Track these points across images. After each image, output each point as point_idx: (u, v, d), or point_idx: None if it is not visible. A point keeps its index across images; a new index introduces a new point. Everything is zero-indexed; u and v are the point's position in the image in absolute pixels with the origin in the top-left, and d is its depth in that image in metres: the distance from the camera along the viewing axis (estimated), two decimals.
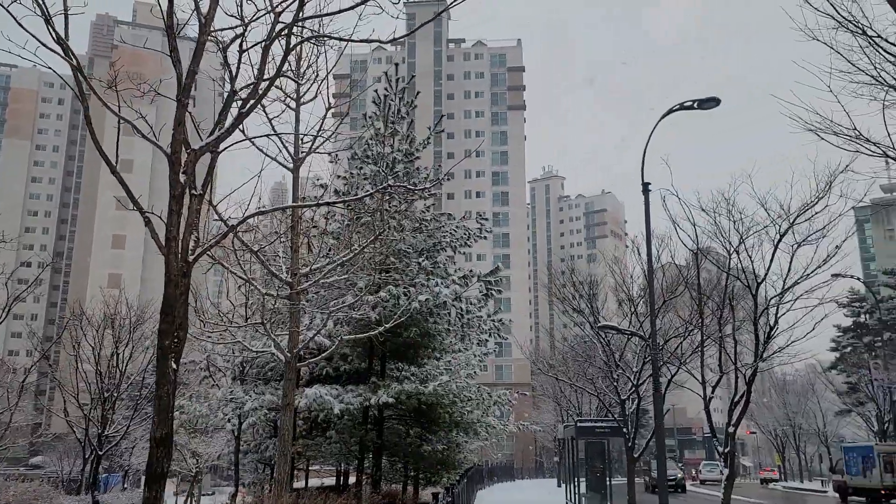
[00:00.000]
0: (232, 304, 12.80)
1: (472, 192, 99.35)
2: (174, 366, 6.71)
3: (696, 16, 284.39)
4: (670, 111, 18.62)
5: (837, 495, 35.56)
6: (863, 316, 55.19)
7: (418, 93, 25.15)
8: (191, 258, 7.00)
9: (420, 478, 20.29)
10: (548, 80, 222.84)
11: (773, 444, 64.53)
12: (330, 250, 12.60)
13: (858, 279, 37.79)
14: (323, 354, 11.35)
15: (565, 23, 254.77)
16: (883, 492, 30.56)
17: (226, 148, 7.93)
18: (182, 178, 6.98)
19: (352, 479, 19.47)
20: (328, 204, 10.22)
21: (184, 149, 6.99)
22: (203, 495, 30.10)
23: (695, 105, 17.26)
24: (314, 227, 13.24)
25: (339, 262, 9.80)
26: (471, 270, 17.39)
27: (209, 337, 12.17)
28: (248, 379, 18.94)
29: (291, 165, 10.03)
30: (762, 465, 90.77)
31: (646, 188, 20.19)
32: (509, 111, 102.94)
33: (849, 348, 55.95)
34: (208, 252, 8.46)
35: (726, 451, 13.38)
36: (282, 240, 11.06)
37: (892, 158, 6.90)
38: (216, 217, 8.46)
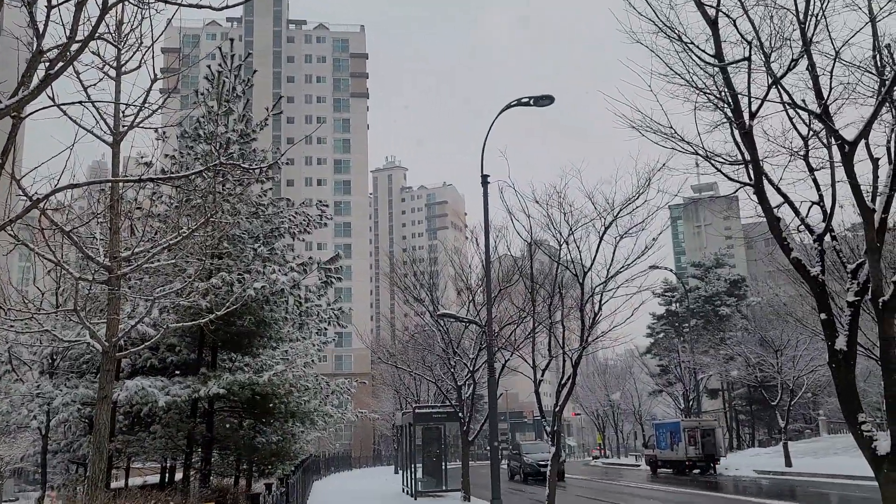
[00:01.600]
0: (39, 290, 11.58)
1: (314, 179, 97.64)
2: None
3: (529, 17, 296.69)
4: (508, 107, 19.26)
5: (649, 468, 38.84)
6: (674, 304, 60.65)
7: (255, 72, 24.20)
8: None
9: (254, 470, 19.61)
10: (392, 70, 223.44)
11: (595, 424, 69.26)
12: (156, 233, 11.75)
13: (671, 271, 41.38)
14: (146, 343, 10.55)
15: (407, 18, 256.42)
16: (687, 463, 33.82)
17: (31, 114, 7.10)
18: None
19: (179, 476, 18.41)
20: (153, 180, 9.47)
21: None
22: (5, 502, 27.23)
23: (531, 102, 18.00)
24: (138, 208, 12.29)
25: (166, 245, 9.12)
26: (310, 258, 17.02)
27: (11, 326, 10.92)
28: (59, 372, 17.28)
29: (111, 139, 9.18)
30: (585, 445, 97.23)
31: (485, 180, 20.82)
32: (352, 98, 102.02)
33: (661, 334, 61.25)
34: (10, 231, 7.56)
35: (554, 429, 14.09)
36: (99, 220, 10.14)
37: (702, 156, 7.48)
38: (20, 192, 7.57)
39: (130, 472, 22.40)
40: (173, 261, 10.37)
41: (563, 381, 14.28)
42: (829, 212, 6.39)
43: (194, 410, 15.95)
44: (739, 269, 75.14)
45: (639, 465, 45.49)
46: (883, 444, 5.56)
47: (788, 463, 31.46)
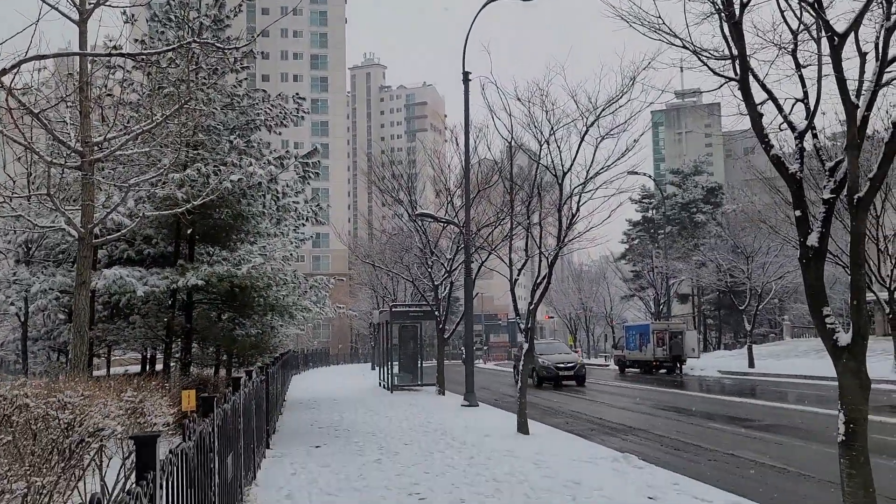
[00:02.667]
0: (10, 177, 11.32)
1: (290, 75, 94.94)
2: None
3: None
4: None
5: (617, 368, 40.34)
6: (650, 211, 61.21)
7: None
8: None
9: (233, 361, 20.03)
10: None
11: (567, 326, 71.16)
12: (128, 122, 11.45)
13: (650, 177, 41.52)
14: (122, 232, 10.45)
15: None
16: (654, 363, 35.14)
17: None
18: None
19: (159, 367, 18.77)
20: (123, 55, 9.12)
21: None
22: None
23: None
24: (108, 94, 11.88)
25: (139, 131, 8.87)
26: (287, 151, 16.75)
27: None
28: (35, 261, 17.19)
29: (77, 17, 8.74)
30: None
31: (466, 77, 20.40)
32: None
33: (637, 240, 62.09)
34: None
35: (528, 327, 14.43)
36: (68, 104, 9.79)
37: (689, 50, 7.33)
38: None
39: (112, 363, 22.79)
40: (147, 149, 10.16)
41: (538, 281, 14.48)
42: (812, 109, 6.36)
43: (173, 302, 16.07)
44: (717, 177, 75.52)
45: (608, 366, 47.14)
46: (843, 337, 5.77)
47: (752, 364, 32.80)
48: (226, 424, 6.01)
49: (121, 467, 2.91)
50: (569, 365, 27.42)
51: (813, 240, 5.93)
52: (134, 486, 2.89)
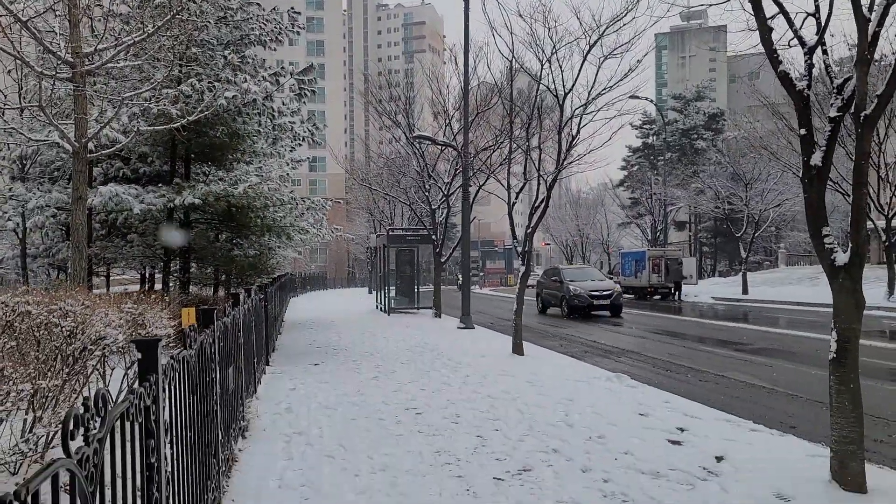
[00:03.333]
0: (0, 91, 11.05)
1: None
2: None
3: None
4: None
5: None
6: (651, 138, 60.63)
7: None
8: None
9: (232, 281, 20.15)
10: None
11: (563, 253, 71.50)
12: (119, 34, 11.10)
13: (651, 101, 40.84)
14: (117, 147, 10.30)
15: None
16: (649, 289, 35.50)
17: None
18: None
19: (159, 287, 18.91)
20: None
21: None
22: None
23: None
24: (98, 4, 11.48)
25: (130, 42, 8.60)
26: (282, 68, 16.36)
27: None
28: (30, 178, 17.04)
29: None
30: None
31: None
32: None
33: (636, 167, 61.78)
34: None
35: (525, 250, 14.47)
36: (57, 14, 9.46)
37: None
38: None
39: (111, 282, 22.94)
40: (139, 62, 9.90)
41: (536, 205, 14.43)
42: (823, 23, 6.17)
43: (170, 221, 16.03)
44: (720, 103, 74.47)
45: None
46: (841, 256, 5.78)
47: (745, 291, 33.16)
48: (226, 337, 6.07)
49: (124, 376, 2.96)
50: (604, 293, 24.10)
51: (817, 159, 5.87)
52: (137, 386, 2.92)
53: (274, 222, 16.02)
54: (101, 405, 2.31)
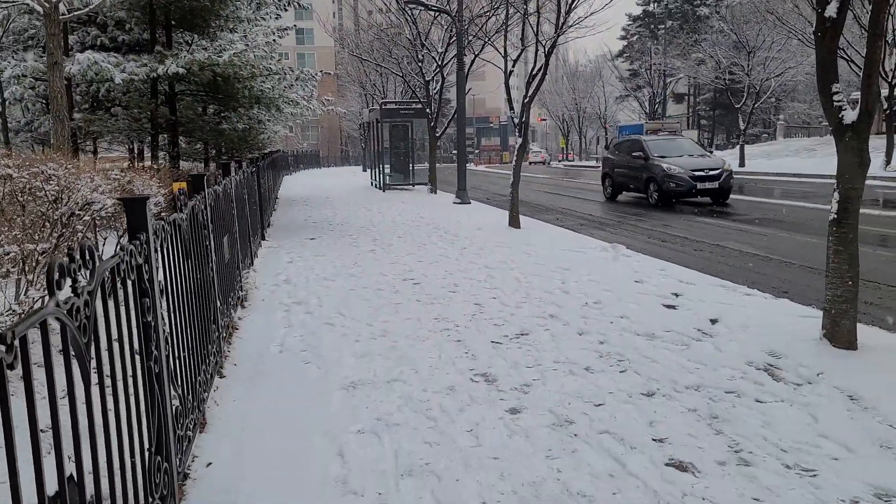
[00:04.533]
0: None
1: None
2: None
3: None
4: None
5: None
6: (651, 4, 58.20)
7: None
8: None
9: (222, 157, 19.82)
10: None
11: (560, 129, 70.43)
12: None
13: None
14: (90, 7, 9.73)
15: None
16: None
17: None
18: None
19: (149, 164, 18.61)
20: None
21: None
22: None
23: None
24: None
25: None
26: None
27: None
28: (3, 46, 16.30)
29: None
30: (550, 150, 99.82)
31: None
32: None
33: (636, 36, 59.71)
34: None
35: (522, 121, 14.14)
36: None
37: None
38: None
39: (99, 160, 22.55)
40: None
41: (533, 73, 13.95)
42: None
43: (154, 92, 15.49)
44: None
45: (598, 167, 47.29)
46: (849, 114, 5.61)
47: (742, 163, 32.95)
48: (218, 204, 5.96)
49: (117, 244, 2.88)
50: (711, 172, 17.95)
51: (832, 10, 5.55)
52: (127, 243, 2.82)
53: (262, 93, 15.51)
54: (88, 257, 2.22)
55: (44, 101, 16.37)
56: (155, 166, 9.77)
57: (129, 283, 2.83)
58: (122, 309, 2.67)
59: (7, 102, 16.34)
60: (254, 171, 10.98)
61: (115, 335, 2.50)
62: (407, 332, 6.38)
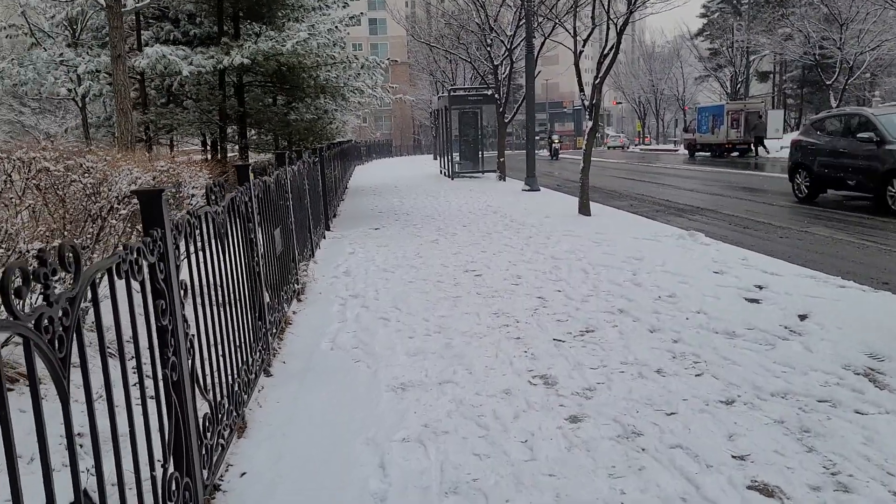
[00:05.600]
0: None
1: None
2: None
3: None
4: None
5: (687, 152, 38.96)
6: None
7: None
8: None
9: (292, 148, 19.92)
10: None
11: (636, 112, 68.43)
12: None
13: None
14: (156, 1, 9.75)
15: None
16: (727, 145, 33.65)
17: None
18: None
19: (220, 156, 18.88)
20: None
21: None
22: None
23: None
24: None
25: None
26: None
27: None
28: (82, 43, 16.79)
29: None
30: (627, 135, 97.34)
31: None
32: None
33: (717, 13, 57.18)
34: None
35: (593, 103, 13.52)
36: None
37: None
38: None
39: (177, 152, 23.13)
40: None
41: (605, 52, 13.30)
42: None
43: (222, 83, 15.61)
44: None
45: (677, 150, 45.67)
46: None
47: None
48: (268, 196, 5.75)
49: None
50: None
51: None
52: (135, 241, 2.58)
53: (327, 82, 15.38)
54: (71, 259, 1.97)
55: None
56: (207, 159, 9.73)
57: (138, 284, 2.59)
58: (129, 313, 2.43)
59: (87, 98, 16.86)
60: (317, 162, 10.84)
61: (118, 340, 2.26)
62: (464, 328, 6.04)
